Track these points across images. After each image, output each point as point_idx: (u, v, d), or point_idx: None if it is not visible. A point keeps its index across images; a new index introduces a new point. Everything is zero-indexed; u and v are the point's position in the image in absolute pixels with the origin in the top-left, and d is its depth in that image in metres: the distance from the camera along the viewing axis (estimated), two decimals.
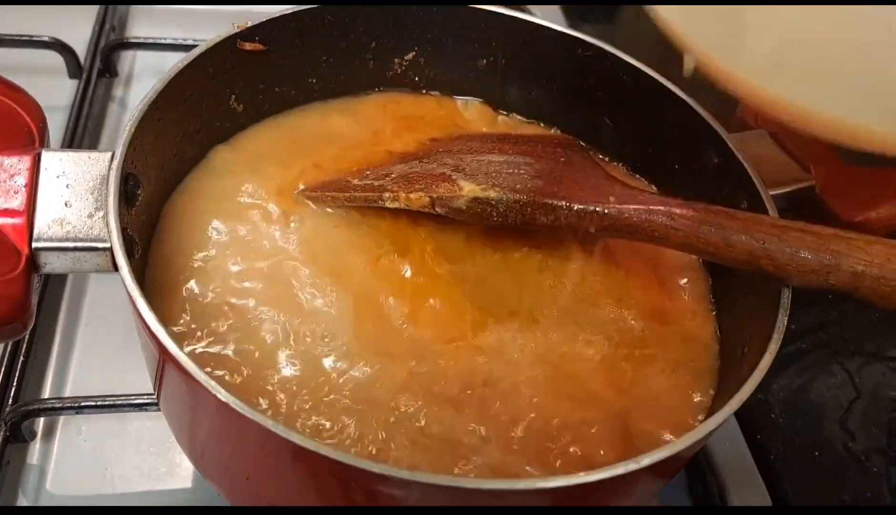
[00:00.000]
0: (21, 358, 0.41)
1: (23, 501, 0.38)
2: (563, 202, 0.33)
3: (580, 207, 0.32)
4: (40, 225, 0.27)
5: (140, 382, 0.40)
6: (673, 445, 0.26)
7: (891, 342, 0.53)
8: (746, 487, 0.43)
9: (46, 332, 0.45)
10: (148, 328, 0.25)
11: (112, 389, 0.41)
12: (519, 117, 0.47)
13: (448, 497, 0.23)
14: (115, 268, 0.28)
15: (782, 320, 0.30)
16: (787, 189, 0.37)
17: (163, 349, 0.25)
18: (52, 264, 0.28)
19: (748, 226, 0.30)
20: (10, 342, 0.42)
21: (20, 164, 0.28)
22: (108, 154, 0.30)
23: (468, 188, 0.34)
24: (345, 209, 0.36)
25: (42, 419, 0.41)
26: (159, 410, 0.39)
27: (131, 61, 0.64)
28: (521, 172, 0.35)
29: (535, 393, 0.31)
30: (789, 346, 0.52)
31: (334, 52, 0.43)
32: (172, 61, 0.34)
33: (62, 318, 0.46)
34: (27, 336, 0.42)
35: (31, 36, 0.58)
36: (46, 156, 0.29)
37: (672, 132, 0.41)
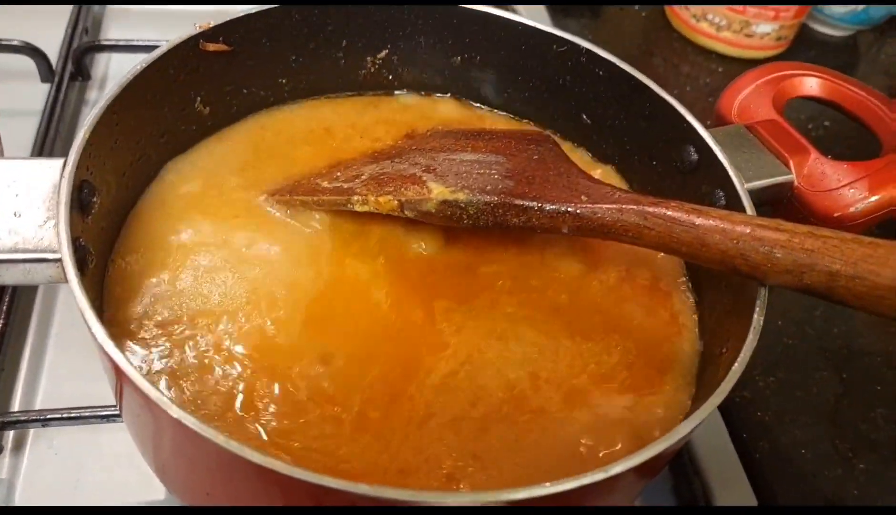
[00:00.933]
0: None
1: None
2: (535, 203, 0.32)
3: (551, 207, 0.32)
4: None
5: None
6: (651, 447, 0.25)
7: (878, 337, 0.53)
8: (732, 487, 0.43)
9: (17, 341, 0.44)
10: (98, 342, 0.24)
11: (84, 399, 0.40)
12: (497, 112, 0.46)
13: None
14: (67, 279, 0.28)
15: (758, 321, 0.29)
16: (766, 183, 0.36)
17: (114, 366, 0.24)
18: (2, 275, 0.27)
19: (722, 225, 0.29)
20: None
21: None
22: (61, 161, 0.29)
23: (437, 191, 0.33)
24: (313, 211, 0.36)
25: (11, 433, 0.40)
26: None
27: (105, 64, 0.63)
28: (493, 172, 0.34)
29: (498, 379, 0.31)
30: (776, 343, 0.51)
31: (304, 52, 0.42)
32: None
33: (33, 326, 0.45)
34: None
35: (1, 40, 0.57)
36: None
37: (650, 128, 0.40)
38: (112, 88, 0.32)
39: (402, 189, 0.33)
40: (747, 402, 0.47)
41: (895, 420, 0.47)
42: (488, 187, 0.33)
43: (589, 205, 0.31)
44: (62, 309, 0.46)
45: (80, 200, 0.29)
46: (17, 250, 0.26)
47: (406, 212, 0.33)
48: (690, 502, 0.42)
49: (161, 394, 0.23)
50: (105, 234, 0.32)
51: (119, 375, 0.24)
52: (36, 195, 0.28)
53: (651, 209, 0.30)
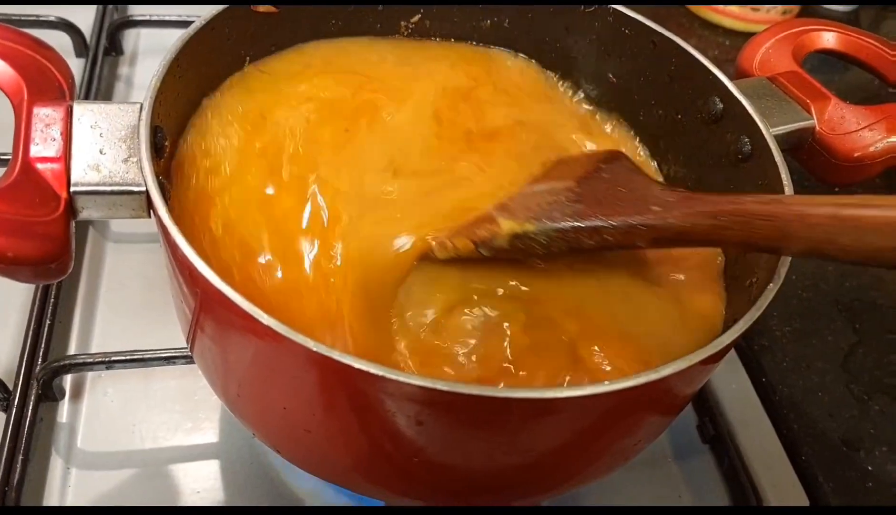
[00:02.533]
0: (48, 319, 0.42)
1: (56, 458, 0.39)
2: (604, 222, 0.32)
3: (622, 223, 0.32)
4: (77, 171, 0.28)
5: (163, 342, 0.41)
6: (691, 357, 0.27)
7: (890, 290, 0.55)
8: (754, 426, 0.45)
9: (68, 298, 0.46)
10: (188, 262, 0.26)
11: (136, 348, 0.42)
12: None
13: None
14: (149, 212, 0.30)
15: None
16: (789, 128, 0.38)
17: (203, 282, 0.26)
18: (89, 208, 0.28)
19: (804, 210, 0.28)
20: (36, 306, 0.43)
21: (55, 114, 0.29)
22: (137, 106, 0.31)
23: (506, 226, 0.33)
24: None
25: (69, 381, 0.42)
26: (186, 363, 0.41)
27: (135, 40, 0.64)
28: (561, 198, 0.34)
29: None
30: (791, 296, 0.53)
31: (341, 15, 0.44)
32: (175, 38, 0.34)
33: (83, 284, 0.47)
34: (52, 299, 0.43)
35: (38, 16, 0.59)
36: (78, 107, 0.30)
37: (674, 82, 0.42)
38: (175, 42, 0.34)
39: (475, 230, 0.34)
40: (765, 349, 0.49)
41: None
42: (556, 214, 0.33)
43: (662, 215, 0.31)
44: (108, 271, 0.48)
45: (155, 142, 0.31)
46: (104, 184, 0.28)
47: (482, 251, 0.33)
48: (714, 440, 0.44)
49: (251, 304, 0.25)
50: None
51: (205, 293, 0.26)
52: (118, 136, 0.30)
53: (726, 207, 0.30)
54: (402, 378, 0.24)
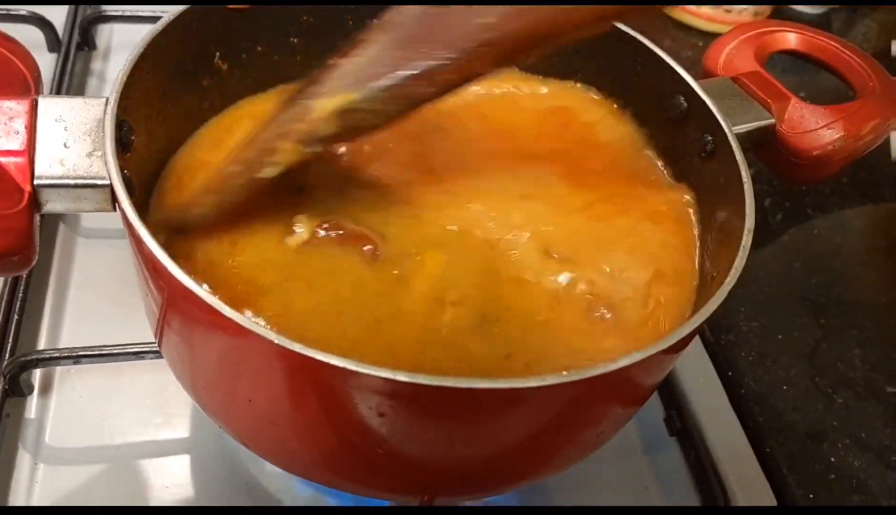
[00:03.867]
0: (16, 314, 0.42)
1: (23, 453, 0.39)
2: (433, 61, 0.27)
3: (452, 54, 0.27)
4: (41, 164, 0.28)
5: (133, 337, 0.41)
6: (651, 347, 0.27)
7: (855, 287, 0.56)
8: (720, 419, 0.46)
9: (37, 293, 0.45)
10: (151, 255, 0.26)
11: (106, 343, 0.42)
12: None
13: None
14: (114, 207, 0.30)
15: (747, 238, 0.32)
16: (750, 127, 0.39)
17: (166, 275, 0.26)
18: (53, 201, 0.28)
19: None
20: (4, 300, 0.42)
21: (18, 107, 0.29)
22: (103, 100, 0.31)
23: (325, 105, 0.28)
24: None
25: (38, 375, 0.42)
26: (155, 358, 0.41)
27: (108, 35, 0.64)
28: (376, 52, 0.29)
29: None
30: (758, 292, 0.54)
31: (313, 12, 0.44)
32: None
33: (52, 279, 0.47)
34: (20, 293, 0.43)
35: (10, 10, 0.58)
36: (43, 101, 0.30)
37: (640, 81, 0.43)
38: (144, 36, 0.34)
39: (291, 127, 0.29)
40: (732, 344, 0.50)
41: (870, 361, 0.51)
42: (377, 71, 0.28)
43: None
44: (78, 266, 0.48)
45: (121, 137, 0.31)
46: (67, 177, 0.28)
47: (311, 149, 0.29)
48: (681, 433, 0.45)
49: (214, 298, 0.25)
50: (144, 174, 0.34)
51: (170, 285, 0.26)
52: (82, 129, 0.30)
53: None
54: (362, 369, 0.24)
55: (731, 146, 0.37)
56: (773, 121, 0.39)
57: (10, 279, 0.44)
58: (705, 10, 0.74)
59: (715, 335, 0.50)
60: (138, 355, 0.40)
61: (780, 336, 0.51)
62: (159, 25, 0.35)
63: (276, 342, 0.24)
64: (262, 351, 0.26)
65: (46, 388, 0.42)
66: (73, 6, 0.62)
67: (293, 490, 0.40)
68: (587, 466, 0.42)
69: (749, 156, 0.39)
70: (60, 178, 0.28)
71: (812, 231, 0.60)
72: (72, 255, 0.48)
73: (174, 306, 0.28)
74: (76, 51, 0.60)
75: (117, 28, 0.64)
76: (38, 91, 0.31)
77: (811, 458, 0.45)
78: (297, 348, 0.24)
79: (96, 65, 0.62)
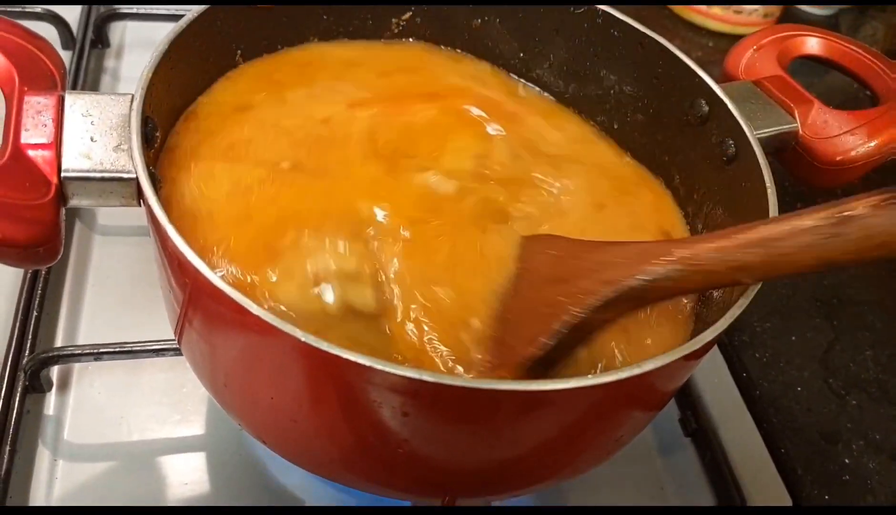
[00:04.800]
0: (35, 311, 0.42)
1: (42, 449, 0.39)
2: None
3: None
4: (68, 157, 0.28)
5: (149, 334, 0.42)
6: (673, 353, 0.27)
7: (867, 288, 0.56)
8: (735, 420, 0.46)
9: (55, 291, 0.46)
10: (177, 250, 0.26)
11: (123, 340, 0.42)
12: (511, 76, 0.48)
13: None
14: (139, 200, 0.30)
15: None
16: (773, 131, 0.39)
17: (191, 270, 0.26)
18: (80, 195, 0.29)
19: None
20: (23, 298, 0.43)
21: (46, 101, 0.29)
22: (129, 96, 0.31)
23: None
24: None
25: (56, 372, 0.42)
26: (173, 355, 0.41)
27: (122, 33, 0.64)
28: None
29: None
30: (771, 293, 0.54)
31: (332, 12, 0.45)
32: (163, 32, 0.34)
33: (69, 277, 0.47)
34: (39, 291, 0.43)
35: (24, 8, 0.58)
36: (70, 96, 0.30)
37: (661, 84, 0.43)
38: (167, 33, 0.34)
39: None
40: (746, 345, 0.50)
41: (883, 363, 0.51)
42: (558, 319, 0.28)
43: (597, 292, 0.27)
44: (95, 265, 0.48)
45: (146, 133, 0.31)
46: (94, 170, 0.28)
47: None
48: (696, 434, 0.45)
49: (241, 295, 0.25)
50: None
51: (195, 280, 0.26)
52: (108, 125, 0.30)
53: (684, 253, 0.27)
54: (388, 369, 0.24)
55: (753, 151, 0.36)
56: (796, 125, 0.39)
57: (28, 277, 0.44)
58: (715, 10, 0.74)
59: (729, 337, 0.50)
60: (158, 352, 0.40)
61: (793, 338, 0.51)
62: (182, 23, 0.35)
63: (303, 339, 0.24)
64: (286, 348, 0.26)
65: (65, 385, 0.42)
66: (87, 4, 0.62)
67: (310, 487, 0.40)
68: (604, 466, 0.42)
69: (770, 160, 0.39)
70: (87, 171, 0.28)
71: None
72: (89, 253, 0.49)
73: (197, 301, 0.28)
74: (90, 48, 0.60)
75: (131, 26, 0.64)
76: (64, 87, 0.31)
77: (826, 459, 0.45)
78: (323, 346, 0.24)
79: (110, 62, 0.62)
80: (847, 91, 0.58)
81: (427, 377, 0.25)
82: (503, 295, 0.31)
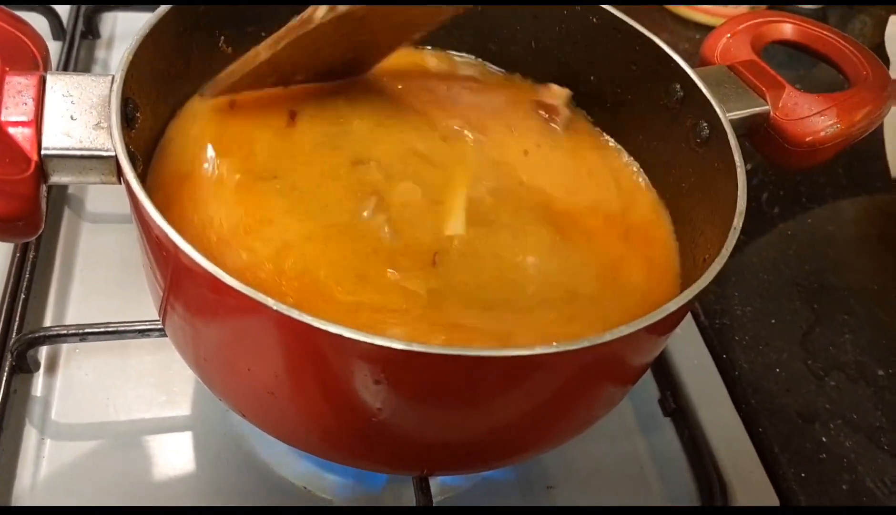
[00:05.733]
0: (22, 293, 0.43)
1: (30, 428, 0.40)
2: None
3: None
4: (48, 135, 0.29)
5: (136, 317, 0.42)
6: (642, 320, 0.28)
7: (847, 273, 0.57)
8: (714, 400, 0.47)
9: (43, 275, 0.46)
10: (154, 224, 0.27)
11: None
12: (486, 64, 0.49)
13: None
14: (119, 179, 0.30)
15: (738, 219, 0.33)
16: (745, 113, 0.40)
17: (169, 244, 0.27)
18: (60, 171, 0.29)
19: None
20: (11, 279, 0.43)
21: (27, 81, 0.30)
22: (109, 77, 0.31)
23: None
24: None
25: (44, 353, 0.42)
26: (159, 336, 0.42)
27: (112, 23, 0.65)
28: None
29: None
30: (752, 278, 0.55)
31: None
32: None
33: (57, 263, 0.47)
34: (27, 274, 0.44)
35: None
36: (51, 77, 0.31)
37: (638, 69, 0.43)
38: (150, 17, 0.35)
39: None
40: (726, 328, 0.51)
41: (862, 345, 0.52)
42: None
43: None
44: (83, 249, 0.49)
45: (126, 113, 0.32)
46: (74, 148, 0.29)
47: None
48: (675, 414, 0.46)
49: (215, 266, 0.26)
50: (145, 150, 0.35)
51: (173, 253, 0.27)
52: (88, 104, 0.30)
53: None
54: (357, 337, 0.25)
55: (725, 132, 0.37)
56: (767, 108, 0.40)
57: (16, 260, 0.45)
58: (702, 4, 0.75)
59: (710, 319, 0.51)
60: (143, 332, 0.41)
61: (773, 321, 0.52)
62: (165, 8, 0.36)
63: (274, 307, 0.25)
64: (260, 318, 0.26)
65: (52, 366, 0.43)
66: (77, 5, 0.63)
67: (293, 465, 0.41)
68: (584, 445, 0.43)
69: (744, 143, 0.40)
70: (67, 149, 0.29)
71: (806, 220, 0.61)
72: (76, 239, 0.49)
73: (176, 275, 0.29)
74: (80, 39, 0.60)
75: (121, 16, 0.65)
76: (46, 69, 0.32)
77: (803, 438, 0.46)
78: (294, 314, 0.25)
79: (100, 53, 0.63)
80: (834, 82, 0.58)
81: (397, 345, 0.25)
82: None
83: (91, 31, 0.62)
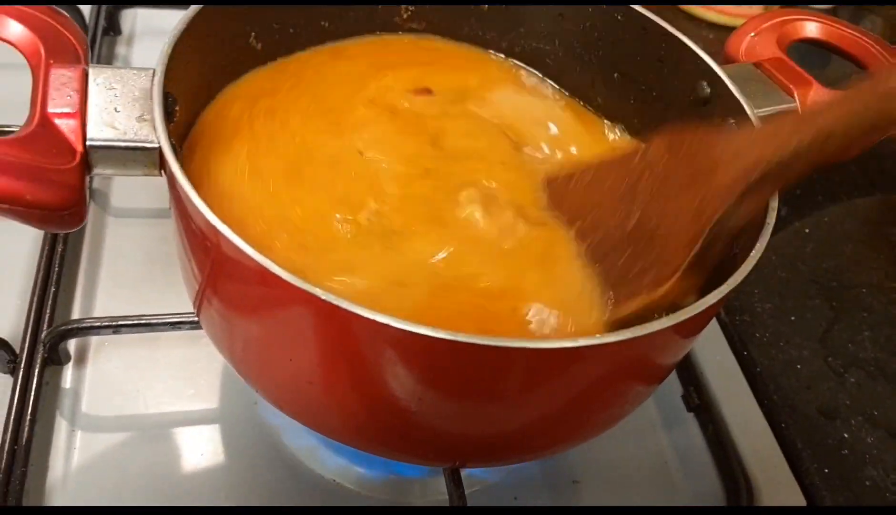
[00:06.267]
0: (52, 286, 0.43)
1: (60, 420, 0.40)
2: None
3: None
4: (92, 126, 0.29)
5: (164, 310, 0.43)
6: (674, 316, 0.28)
7: (865, 271, 0.57)
8: (736, 396, 0.47)
9: (70, 269, 0.47)
10: (199, 213, 0.27)
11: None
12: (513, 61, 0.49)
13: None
14: (161, 170, 0.31)
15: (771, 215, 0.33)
16: (773, 110, 0.40)
17: (213, 233, 0.27)
18: (104, 162, 0.30)
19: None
20: (41, 273, 0.44)
21: (71, 74, 0.30)
22: (150, 71, 0.32)
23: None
24: None
25: (74, 346, 0.43)
26: (191, 329, 0.42)
27: (133, 20, 0.65)
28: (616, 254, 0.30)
29: None
30: (771, 276, 0.55)
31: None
32: (172, 19, 0.35)
33: (84, 257, 0.48)
34: (56, 268, 0.44)
35: None
36: (94, 69, 0.31)
37: (664, 66, 0.44)
38: (186, 13, 0.35)
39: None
40: (747, 325, 0.51)
41: (881, 342, 0.52)
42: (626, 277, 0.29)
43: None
44: (109, 244, 0.49)
45: (166, 107, 0.32)
46: (118, 139, 0.29)
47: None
48: (698, 409, 0.46)
49: (262, 256, 0.26)
50: (179, 145, 0.35)
51: (216, 243, 0.27)
52: (131, 96, 0.31)
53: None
54: (400, 325, 0.25)
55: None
56: (794, 105, 0.40)
57: (45, 254, 0.45)
58: (715, 4, 0.76)
59: (730, 317, 0.51)
60: (174, 325, 0.41)
61: (792, 318, 0.52)
62: (197, 7, 0.36)
63: (323, 297, 0.25)
64: (308, 308, 0.27)
65: (82, 358, 0.43)
66: None
67: (322, 457, 0.41)
68: (609, 440, 0.43)
69: None
70: (111, 140, 0.30)
71: (823, 218, 0.61)
72: (102, 233, 0.50)
73: (218, 265, 0.29)
74: (102, 35, 0.61)
75: (141, 13, 0.65)
76: (87, 61, 0.32)
77: (825, 434, 0.46)
78: (343, 304, 0.25)
79: (121, 50, 0.63)
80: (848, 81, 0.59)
81: (441, 334, 0.26)
82: (621, 219, 0.31)
83: (112, 28, 0.62)
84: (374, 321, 0.25)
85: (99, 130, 0.29)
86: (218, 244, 0.28)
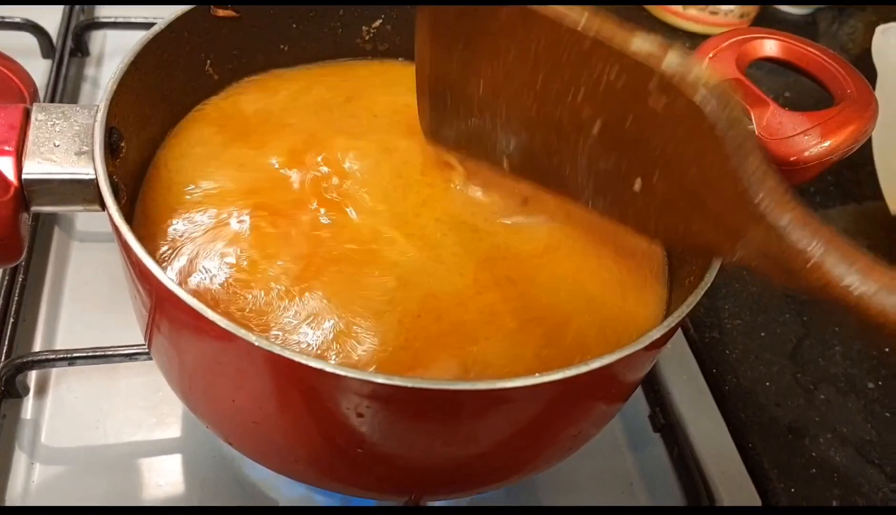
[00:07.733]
0: (11, 317, 0.43)
1: (20, 453, 0.40)
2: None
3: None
4: (30, 162, 0.29)
5: (127, 339, 0.42)
6: (635, 344, 0.28)
7: None
8: (704, 415, 0.47)
9: (33, 296, 0.46)
10: (137, 259, 0.27)
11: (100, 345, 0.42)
12: None
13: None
14: (103, 206, 0.31)
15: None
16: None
17: (152, 280, 0.27)
18: (41, 197, 0.29)
19: None
20: (0, 304, 0.43)
21: (12, 112, 0.30)
22: (95, 107, 0.32)
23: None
24: None
25: (34, 377, 0.42)
26: (148, 359, 0.42)
27: (102, 41, 0.65)
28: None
29: None
30: (742, 291, 0.55)
31: (303, 20, 0.45)
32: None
33: (48, 283, 0.48)
34: (16, 296, 0.44)
35: (3, 17, 0.59)
36: (37, 106, 0.31)
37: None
38: (134, 45, 0.35)
39: None
40: (716, 342, 0.51)
41: (851, 357, 0.52)
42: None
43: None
44: (73, 270, 0.49)
45: (110, 143, 0.32)
46: (54, 173, 0.29)
47: None
48: (664, 429, 0.46)
49: (197, 301, 0.26)
50: (132, 181, 0.35)
51: (156, 289, 0.27)
52: (72, 132, 0.30)
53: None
54: (339, 372, 0.25)
55: None
56: (751, 127, 0.39)
57: (5, 282, 0.45)
58: (691, 11, 0.75)
59: (699, 333, 0.51)
60: (131, 356, 0.41)
61: (763, 334, 0.52)
62: (150, 34, 0.36)
63: (256, 343, 0.25)
64: (243, 352, 0.26)
65: (42, 389, 0.43)
66: (67, 8, 0.63)
67: (282, 488, 0.41)
68: (573, 461, 0.43)
69: None
70: (48, 173, 0.29)
71: None
72: (66, 258, 0.49)
73: (160, 308, 0.29)
74: (70, 57, 0.61)
75: (110, 34, 0.65)
76: (33, 102, 0.32)
77: (793, 453, 0.46)
78: (276, 350, 0.25)
79: (90, 71, 0.63)
80: (820, 94, 0.58)
81: (379, 379, 0.25)
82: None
83: (80, 49, 0.62)
84: (308, 366, 0.25)
85: (36, 165, 0.29)
86: (157, 289, 0.27)
